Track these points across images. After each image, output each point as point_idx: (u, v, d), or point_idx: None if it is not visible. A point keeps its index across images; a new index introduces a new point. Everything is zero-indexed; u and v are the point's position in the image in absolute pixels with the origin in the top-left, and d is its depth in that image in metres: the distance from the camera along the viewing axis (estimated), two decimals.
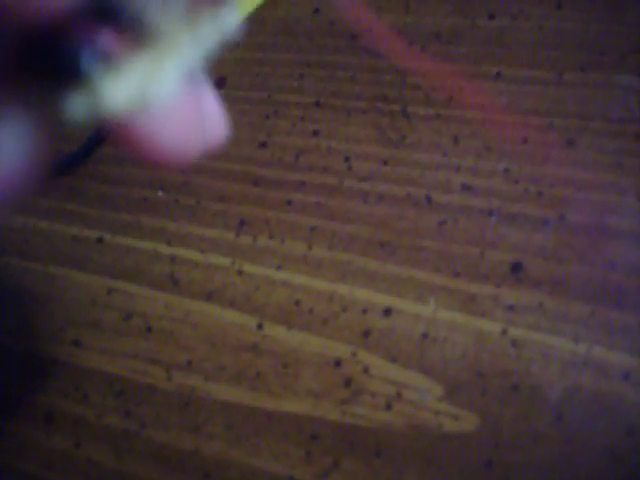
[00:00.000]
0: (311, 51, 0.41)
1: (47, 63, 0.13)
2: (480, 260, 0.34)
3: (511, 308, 0.33)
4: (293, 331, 0.35)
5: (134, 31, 0.13)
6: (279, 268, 0.36)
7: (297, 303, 0.35)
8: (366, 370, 0.33)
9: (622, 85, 0.36)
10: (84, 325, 0.38)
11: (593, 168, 0.34)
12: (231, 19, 0.14)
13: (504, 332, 0.32)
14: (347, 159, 0.38)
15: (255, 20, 0.42)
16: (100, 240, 0.40)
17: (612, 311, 0.32)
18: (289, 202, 0.37)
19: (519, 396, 0.31)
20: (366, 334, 0.34)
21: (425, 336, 0.33)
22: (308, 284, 0.35)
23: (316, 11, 0.42)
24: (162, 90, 0.13)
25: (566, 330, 0.32)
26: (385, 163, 0.37)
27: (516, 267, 0.33)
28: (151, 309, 0.37)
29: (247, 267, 0.37)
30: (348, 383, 0.33)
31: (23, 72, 0.13)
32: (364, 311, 0.34)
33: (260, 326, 0.35)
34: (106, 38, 0.13)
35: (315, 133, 0.39)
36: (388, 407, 0.32)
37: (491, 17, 0.39)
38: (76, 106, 0.13)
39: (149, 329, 0.37)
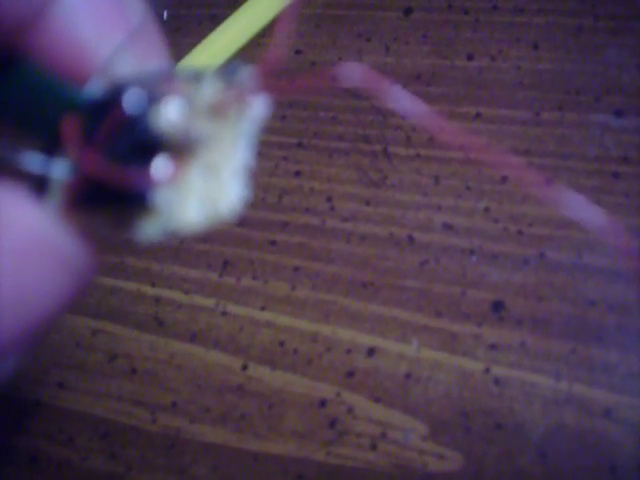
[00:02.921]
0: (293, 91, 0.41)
1: (113, 201, 0.14)
2: (462, 299, 0.34)
3: (493, 347, 0.33)
4: (278, 372, 0.35)
5: (185, 149, 0.14)
6: (263, 309, 0.36)
7: (281, 344, 0.35)
8: (350, 410, 0.33)
9: (598, 124, 0.36)
10: (69, 367, 0.38)
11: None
12: (260, 103, 0.14)
13: (487, 371, 0.32)
14: (329, 199, 0.38)
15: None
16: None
17: (593, 348, 0.32)
18: (273, 242, 0.38)
19: (502, 434, 0.31)
20: (350, 374, 0.34)
21: (408, 376, 0.33)
22: (292, 324, 0.36)
23: (298, 52, 0.43)
24: (228, 198, 0.14)
25: (548, 368, 0.32)
26: (367, 203, 0.37)
27: (497, 306, 0.33)
28: (136, 350, 0.37)
29: (231, 308, 0.37)
30: (333, 423, 0.33)
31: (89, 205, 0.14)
32: (348, 351, 0.34)
33: (245, 367, 0.35)
34: (163, 168, 0.14)
35: (297, 174, 0.39)
36: (373, 447, 0.32)
37: (470, 58, 0.40)
38: (147, 230, 0.14)
39: (134, 370, 0.37)
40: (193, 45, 0.42)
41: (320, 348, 0.35)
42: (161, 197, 0.13)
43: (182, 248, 0.39)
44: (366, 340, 0.34)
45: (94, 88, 0.15)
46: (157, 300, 0.38)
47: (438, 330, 0.34)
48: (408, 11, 0.42)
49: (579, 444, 0.30)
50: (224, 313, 0.37)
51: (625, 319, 0.32)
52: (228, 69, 0.14)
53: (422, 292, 0.35)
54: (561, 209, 0.13)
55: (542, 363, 0.32)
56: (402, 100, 0.16)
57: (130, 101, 0.14)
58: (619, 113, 0.36)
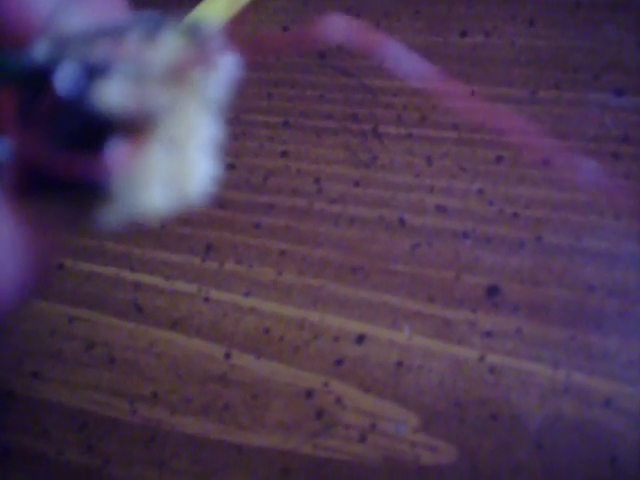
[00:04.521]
0: (279, 69, 0.40)
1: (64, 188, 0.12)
2: (455, 284, 0.33)
3: (488, 334, 0.31)
4: (262, 360, 0.33)
5: (141, 125, 0.12)
6: (247, 294, 0.35)
7: (266, 331, 0.34)
8: (339, 401, 0.32)
9: (597, 102, 0.35)
10: (43, 356, 0.36)
11: (569, 188, 0.33)
12: (228, 64, 0.12)
13: (481, 359, 0.31)
14: (317, 181, 0.36)
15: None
16: (61, 266, 0.38)
17: (592, 335, 0.31)
18: (257, 226, 0.36)
19: (498, 426, 0.30)
20: (338, 363, 0.32)
21: (400, 364, 0.32)
22: (278, 311, 0.34)
23: (284, 29, 0.41)
24: (196, 176, 0.12)
25: (545, 356, 0.31)
26: (356, 185, 0.36)
27: (492, 291, 0.32)
28: (114, 338, 0.35)
29: (214, 294, 0.35)
30: (320, 414, 0.32)
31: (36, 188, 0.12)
32: (336, 339, 0.33)
33: (228, 355, 0.34)
34: (115, 151, 0.12)
35: (284, 154, 0.38)
36: (362, 439, 0.31)
37: (463, 34, 0.38)
38: (106, 217, 0.12)
39: (112, 359, 0.35)
40: None
41: (307, 335, 0.33)
42: (118, 182, 0.12)
43: (163, 232, 0.37)
44: (355, 327, 0.33)
45: (35, 52, 0.12)
46: (137, 286, 0.36)
47: (430, 316, 0.32)
48: None
49: (578, 435, 0.29)
50: (207, 299, 0.35)
51: (625, 305, 0.31)
52: (188, 25, 0.12)
53: (414, 277, 0.33)
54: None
55: (539, 351, 0.31)
56: (400, 58, 0.14)
57: (64, 79, 0.11)
58: (618, 92, 0.35)
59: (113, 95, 0.11)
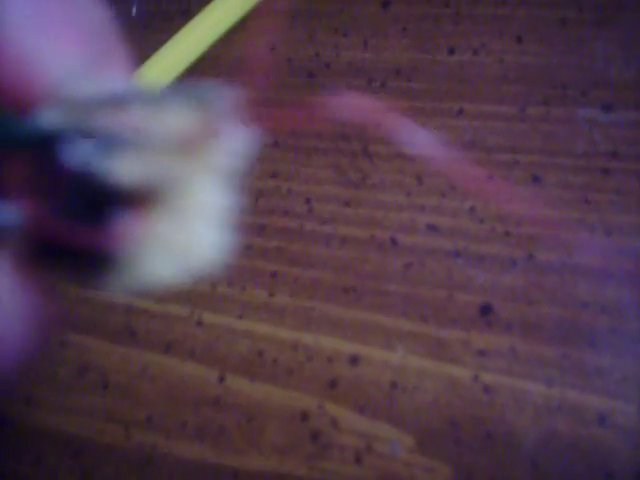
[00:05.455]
0: (268, 89, 0.40)
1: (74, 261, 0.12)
2: (448, 303, 0.33)
3: (482, 353, 0.31)
4: (256, 383, 0.33)
5: (148, 197, 0.12)
6: (240, 317, 0.35)
7: (260, 353, 0.34)
8: (334, 422, 0.32)
9: (586, 119, 0.35)
10: (36, 381, 0.36)
11: (560, 205, 0.33)
12: (239, 134, 0.12)
13: (475, 378, 0.31)
14: (308, 201, 0.36)
15: (209, 58, 0.41)
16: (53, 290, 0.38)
17: (585, 352, 0.31)
18: (249, 247, 0.36)
19: (493, 444, 0.30)
20: (333, 384, 0.32)
21: (394, 384, 0.32)
22: (271, 333, 0.34)
23: (272, 49, 0.41)
24: (204, 247, 0.12)
25: (539, 374, 0.31)
26: (347, 205, 0.36)
27: (485, 310, 0.32)
28: (107, 363, 0.35)
29: (207, 316, 0.35)
30: (315, 437, 0.32)
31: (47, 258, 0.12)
32: (330, 360, 0.33)
33: (222, 378, 0.34)
34: (122, 223, 0.12)
35: (274, 175, 0.38)
36: (358, 461, 0.31)
37: (451, 52, 0.38)
38: (113, 286, 0.12)
39: (105, 384, 0.35)
40: (163, 42, 0.40)
41: (301, 357, 0.33)
42: (124, 251, 0.12)
43: None
44: (349, 348, 0.33)
45: (42, 118, 0.12)
46: (129, 309, 0.36)
47: (424, 336, 0.32)
48: (386, 4, 0.40)
49: (573, 452, 0.29)
50: (199, 322, 0.35)
51: (618, 321, 0.31)
52: (198, 90, 0.12)
53: (406, 296, 0.33)
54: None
55: (533, 369, 0.31)
56: (415, 138, 0.14)
57: (73, 151, 0.11)
58: (607, 107, 0.35)
59: (122, 167, 0.11)
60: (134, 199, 0.12)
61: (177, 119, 0.12)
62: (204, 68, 0.41)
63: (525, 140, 0.35)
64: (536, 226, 0.33)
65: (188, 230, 0.12)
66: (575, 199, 0.33)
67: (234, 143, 0.12)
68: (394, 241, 0.34)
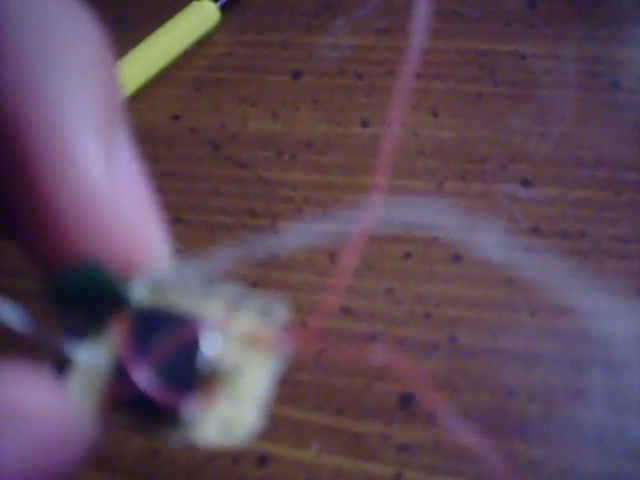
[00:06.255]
0: (170, 161, 0.37)
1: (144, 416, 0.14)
2: (365, 394, 0.30)
3: (404, 448, 0.28)
4: None
5: (217, 377, 0.15)
6: None
7: (155, 454, 0.30)
8: None
9: (505, 194, 0.34)
10: None
11: (482, 285, 0.32)
12: (283, 346, 0.15)
13: (398, 476, 0.28)
14: None
15: None
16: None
17: (516, 443, 0.28)
18: None
19: None
20: None
21: None
22: None
23: (175, 117, 0.38)
24: (246, 424, 0.14)
25: (467, 469, 0.28)
26: (254, 285, 0.33)
27: (406, 400, 0.29)
28: None
29: None
30: None
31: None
32: (235, 461, 0.29)
33: None
34: (196, 394, 0.14)
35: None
36: None
37: (365, 124, 0.37)
38: (166, 437, 0.14)
39: None
40: None
41: (202, 458, 0.29)
42: (187, 413, 0.14)
43: None
44: (256, 446, 0.29)
45: (135, 288, 0.15)
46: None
47: (340, 431, 0.29)
48: (297, 75, 0.38)
49: None
50: None
51: (549, 408, 0.29)
52: (266, 302, 0.15)
53: (319, 387, 0.30)
54: None
55: (460, 464, 0.28)
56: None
57: (205, 343, 0.15)
58: (526, 183, 0.34)
59: (208, 355, 0.15)
60: (208, 376, 0.15)
61: (248, 320, 0.15)
62: None
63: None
64: (458, 307, 0.31)
65: (238, 406, 0.15)
66: (498, 278, 0.31)
67: (283, 349, 0.15)
68: (305, 325, 0.31)
